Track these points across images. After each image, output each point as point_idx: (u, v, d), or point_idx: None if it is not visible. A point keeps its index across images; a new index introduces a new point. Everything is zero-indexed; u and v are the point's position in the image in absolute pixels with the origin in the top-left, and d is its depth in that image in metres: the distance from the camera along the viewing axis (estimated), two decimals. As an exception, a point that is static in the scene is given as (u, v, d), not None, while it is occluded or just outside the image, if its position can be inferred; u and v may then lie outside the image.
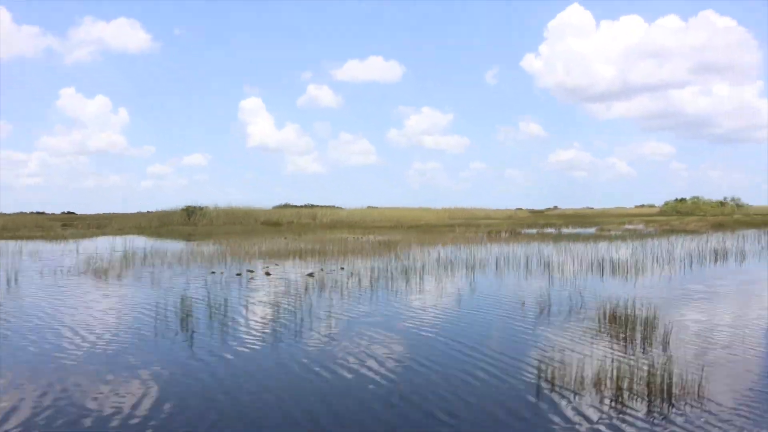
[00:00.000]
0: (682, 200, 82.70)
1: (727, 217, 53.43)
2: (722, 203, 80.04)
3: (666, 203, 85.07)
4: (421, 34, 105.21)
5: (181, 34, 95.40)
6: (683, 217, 59.35)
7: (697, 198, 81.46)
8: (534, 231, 32.18)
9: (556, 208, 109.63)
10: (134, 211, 57.41)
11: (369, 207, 63.38)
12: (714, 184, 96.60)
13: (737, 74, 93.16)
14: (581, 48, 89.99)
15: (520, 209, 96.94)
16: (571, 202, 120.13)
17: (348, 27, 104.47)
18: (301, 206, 68.39)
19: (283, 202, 70.41)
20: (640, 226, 37.85)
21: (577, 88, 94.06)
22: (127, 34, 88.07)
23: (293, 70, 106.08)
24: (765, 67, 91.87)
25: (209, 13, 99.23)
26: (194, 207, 44.59)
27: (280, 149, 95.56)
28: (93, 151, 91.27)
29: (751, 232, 29.54)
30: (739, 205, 79.58)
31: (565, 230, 33.91)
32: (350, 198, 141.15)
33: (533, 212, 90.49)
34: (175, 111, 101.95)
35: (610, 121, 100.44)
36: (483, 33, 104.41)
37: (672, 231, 31.65)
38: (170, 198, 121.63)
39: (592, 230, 33.65)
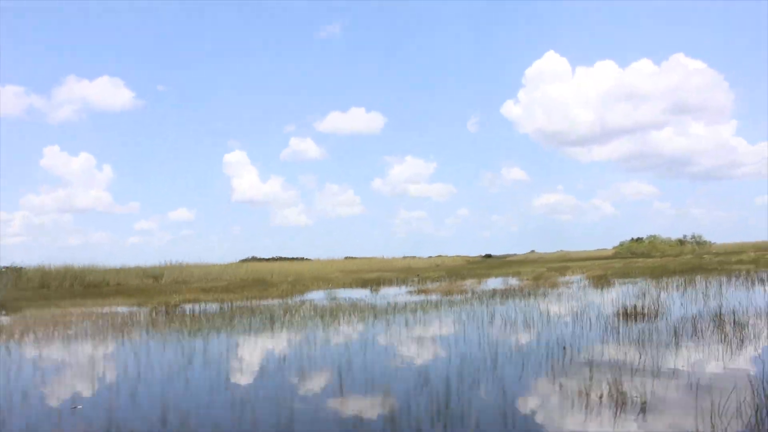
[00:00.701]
0: (638, 240, 79.92)
1: (671, 259, 47.82)
2: (681, 241, 77.31)
3: (621, 244, 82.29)
4: (400, 85, 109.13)
5: (165, 91, 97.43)
6: (636, 258, 55.65)
7: (654, 237, 78.51)
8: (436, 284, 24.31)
9: (533, 252, 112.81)
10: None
11: (347, 258, 63.63)
12: (698, 221, 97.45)
13: (712, 114, 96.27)
14: (559, 94, 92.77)
15: (469, 257, 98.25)
16: (558, 245, 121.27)
17: (329, 80, 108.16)
18: (270, 259, 69.56)
19: (250, 255, 71.49)
20: (575, 277, 27.24)
21: (557, 133, 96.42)
22: (110, 92, 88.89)
23: (276, 123, 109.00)
24: (738, 107, 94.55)
25: (192, 69, 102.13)
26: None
27: (265, 202, 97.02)
28: (78, 209, 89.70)
29: (699, 279, 20.94)
30: (700, 243, 76.44)
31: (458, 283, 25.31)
32: (338, 248, 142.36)
33: (480, 258, 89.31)
34: (159, 167, 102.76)
35: (591, 163, 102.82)
36: (462, 82, 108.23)
37: (600, 279, 23.28)
38: (156, 254, 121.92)
39: (498, 281, 26.23)
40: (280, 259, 72.06)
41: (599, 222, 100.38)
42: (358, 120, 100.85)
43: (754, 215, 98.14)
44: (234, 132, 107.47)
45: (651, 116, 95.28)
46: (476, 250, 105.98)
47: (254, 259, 69.84)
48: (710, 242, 77.51)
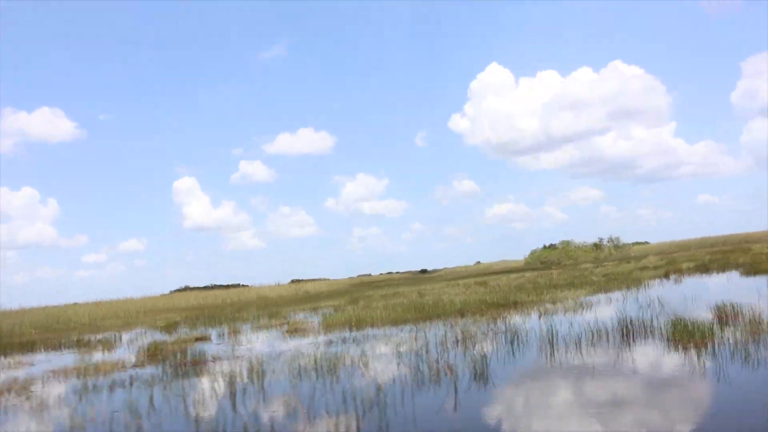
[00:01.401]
0: (551, 247, 75.44)
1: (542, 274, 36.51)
2: (598, 245, 73.30)
3: (532, 253, 76.43)
4: (348, 103, 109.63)
5: (107, 120, 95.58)
6: (545, 269, 49.49)
7: (567, 243, 74.04)
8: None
9: (479, 263, 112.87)
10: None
11: (293, 281, 60.24)
12: (644, 222, 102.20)
13: (651, 117, 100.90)
14: (504, 105, 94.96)
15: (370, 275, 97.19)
16: (514, 253, 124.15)
17: (276, 101, 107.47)
18: (205, 287, 66.90)
19: (183, 285, 67.84)
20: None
21: (504, 143, 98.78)
22: (50, 123, 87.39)
23: (224, 147, 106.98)
24: (675, 109, 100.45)
25: (134, 97, 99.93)
26: None
27: (218, 227, 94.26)
28: (22, 245, 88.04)
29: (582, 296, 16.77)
30: (618, 246, 72.57)
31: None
32: (295, 270, 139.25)
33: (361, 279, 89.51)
34: (106, 197, 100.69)
35: (539, 172, 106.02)
36: (408, 98, 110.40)
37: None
38: (108, 287, 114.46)
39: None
40: (215, 287, 69.46)
41: (551, 228, 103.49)
42: (308, 140, 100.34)
43: (697, 213, 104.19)
44: (182, 158, 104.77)
45: (594, 122, 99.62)
46: (433, 264, 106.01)
47: (187, 288, 66.13)
48: (629, 244, 74.57)
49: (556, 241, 73.44)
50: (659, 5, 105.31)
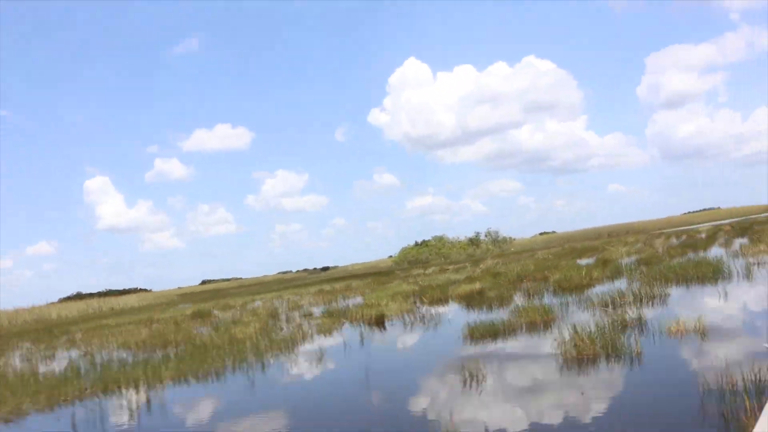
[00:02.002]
0: (423, 244, 68.10)
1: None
2: (474, 241, 66.20)
3: (402, 250, 68.83)
4: (266, 99, 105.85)
5: (7, 116, 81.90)
6: (409, 269, 46.44)
7: (441, 238, 67.30)
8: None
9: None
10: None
11: (204, 282, 55.96)
12: (561, 212, 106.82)
13: (564, 111, 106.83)
14: (422, 99, 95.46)
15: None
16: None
17: (191, 96, 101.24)
18: (98, 293, 63.26)
19: (75, 292, 64.57)
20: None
21: (423, 137, 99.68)
22: None
23: (137, 145, 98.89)
24: (586, 103, 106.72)
25: (37, 92, 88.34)
26: None
27: (133, 228, 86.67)
28: None
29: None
30: (497, 241, 65.69)
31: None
32: (216, 269, 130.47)
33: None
34: (11, 200, 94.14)
35: (458, 164, 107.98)
36: (327, 93, 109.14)
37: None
38: (16, 294, 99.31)
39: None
40: (108, 293, 65.70)
41: (471, 220, 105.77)
42: (225, 137, 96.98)
43: (608, 202, 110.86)
44: (93, 157, 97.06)
45: (509, 116, 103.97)
46: (355, 259, 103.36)
47: (78, 296, 63.17)
48: (509, 239, 67.57)
49: (476, 236, 67.38)
50: (569, 3, 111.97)
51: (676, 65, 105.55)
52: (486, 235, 66.72)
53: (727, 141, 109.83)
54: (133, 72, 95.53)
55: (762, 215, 55.63)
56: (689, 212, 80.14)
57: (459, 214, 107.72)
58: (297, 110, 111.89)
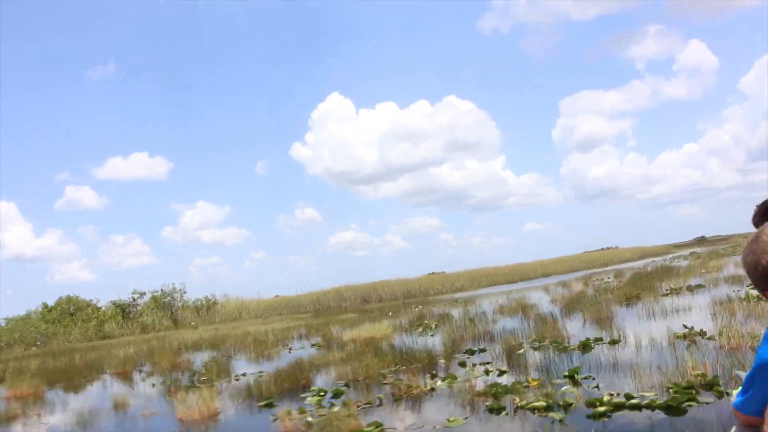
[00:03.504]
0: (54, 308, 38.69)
1: None
2: (122, 306, 37.20)
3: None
4: (185, 127, 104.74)
5: None
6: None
7: (73, 298, 39.69)
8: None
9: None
10: None
11: None
12: (477, 248, 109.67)
13: (483, 150, 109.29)
14: (344, 135, 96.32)
15: None
16: (362, 278, 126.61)
17: (105, 123, 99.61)
18: None
19: None
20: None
21: (345, 172, 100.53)
22: None
23: (47, 171, 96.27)
24: (504, 143, 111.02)
25: None
26: None
27: (41, 258, 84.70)
28: None
29: None
30: (167, 305, 37.49)
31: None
32: None
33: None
34: None
35: (380, 200, 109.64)
36: (248, 125, 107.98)
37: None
38: None
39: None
40: None
41: (393, 256, 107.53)
42: (141, 166, 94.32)
43: (525, 239, 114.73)
44: None
45: (430, 153, 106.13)
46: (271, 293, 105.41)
47: None
48: (211, 301, 39.32)
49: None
50: (488, 47, 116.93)
51: (588, 110, 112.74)
52: (152, 297, 38.00)
53: (635, 183, 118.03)
54: (44, 96, 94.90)
55: (657, 258, 56.69)
56: (587, 251, 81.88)
57: (381, 248, 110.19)
58: (217, 141, 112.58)
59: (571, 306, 15.59)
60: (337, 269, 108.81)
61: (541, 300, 19.95)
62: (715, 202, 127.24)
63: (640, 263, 46.68)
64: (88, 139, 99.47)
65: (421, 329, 15.83)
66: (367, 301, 38.79)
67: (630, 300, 15.45)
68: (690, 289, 16.45)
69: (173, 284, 39.06)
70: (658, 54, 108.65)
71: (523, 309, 16.64)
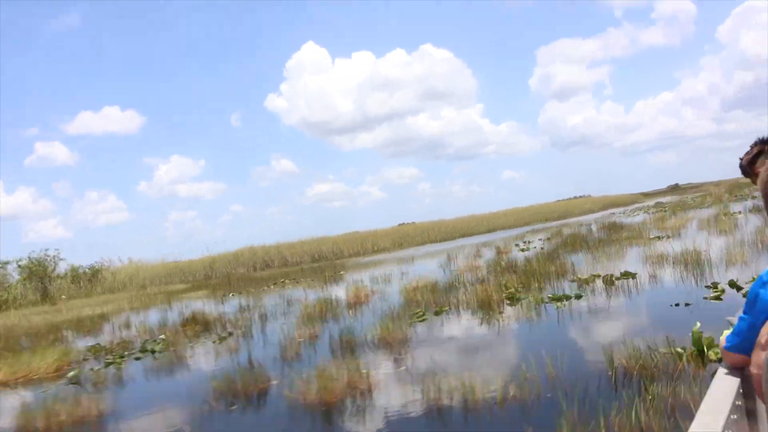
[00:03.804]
0: None
1: None
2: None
3: None
4: (156, 81, 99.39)
5: None
6: None
7: None
8: None
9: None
10: None
11: None
12: (456, 197, 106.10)
13: (459, 99, 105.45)
14: (319, 84, 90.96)
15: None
16: (338, 229, 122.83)
17: (73, 76, 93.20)
18: None
19: None
20: None
21: (321, 123, 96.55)
22: None
23: (14, 127, 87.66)
24: (481, 92, 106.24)
25: None
26: None
27: (14, 217, 77.59)
28: None
29: None
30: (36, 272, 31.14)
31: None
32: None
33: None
34: None
35: (356, 151, 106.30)
36: (222, 77, 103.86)
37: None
38: None
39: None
40: None
41: (371, 206, 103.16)
42: (113, 120, 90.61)
43: (503, 188, 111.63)
44: None
45: (407, 103, 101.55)
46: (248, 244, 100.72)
47: None
48: (97, 268, 34.13)
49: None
50: None
51: (565, 58, 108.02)
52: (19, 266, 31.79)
53: (611, 131, 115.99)
54: (4, 51, 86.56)
55: (618, 209, 52.42)
56: (560, 200, 77.24)
57: (358, 199, 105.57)
58: (190, 94, 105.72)
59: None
60: (315, 219, 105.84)
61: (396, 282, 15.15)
62: (689, 150, 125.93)
63: (597, 215, 43.39)
64: (56, 94, 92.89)
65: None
66: (269, 266, 34.26)
67: (511, 299, 9.58)
68: (609, 281, 9.84)
69: (46, 250, 32.92)
70: (636, 1, 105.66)
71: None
